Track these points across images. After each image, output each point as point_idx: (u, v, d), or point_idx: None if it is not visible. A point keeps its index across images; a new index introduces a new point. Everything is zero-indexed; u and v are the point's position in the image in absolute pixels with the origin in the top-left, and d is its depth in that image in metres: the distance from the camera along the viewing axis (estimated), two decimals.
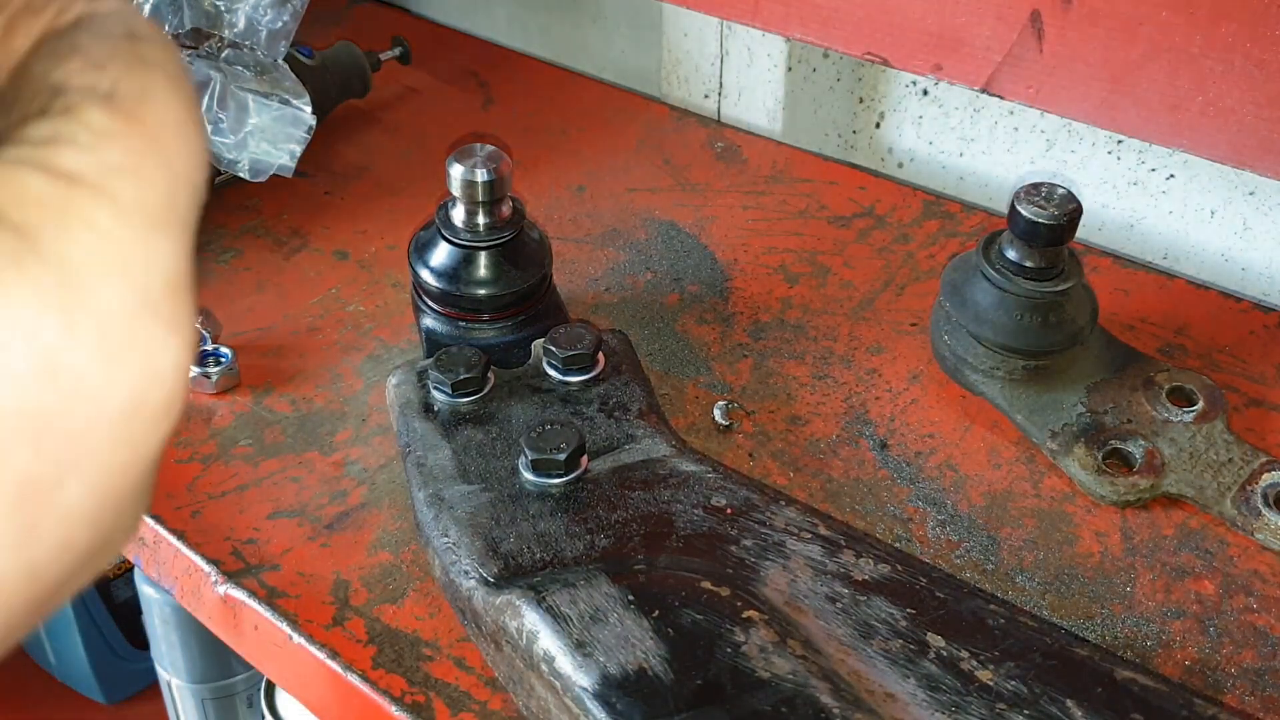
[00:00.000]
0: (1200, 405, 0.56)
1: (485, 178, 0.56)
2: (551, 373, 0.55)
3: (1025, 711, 0.40)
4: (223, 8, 0.73)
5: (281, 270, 0.71)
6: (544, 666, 0.41)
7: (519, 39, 1.02)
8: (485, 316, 0.58)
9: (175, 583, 0.55)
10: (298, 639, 0.49)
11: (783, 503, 0.49)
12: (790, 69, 0.83)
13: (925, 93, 0.80)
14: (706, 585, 0.44)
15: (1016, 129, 0.77)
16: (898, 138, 0.84)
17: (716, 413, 0.59)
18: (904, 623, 0.43)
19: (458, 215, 0.57)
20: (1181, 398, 0.57)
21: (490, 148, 0.57)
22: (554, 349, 0.55)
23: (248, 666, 0.86)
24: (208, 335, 0.63)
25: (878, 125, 0.84)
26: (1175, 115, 0.53)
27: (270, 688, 0.81)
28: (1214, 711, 0.41)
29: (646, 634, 0.41)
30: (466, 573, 0.46)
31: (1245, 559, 0.52)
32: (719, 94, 0.87)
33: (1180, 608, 0.50)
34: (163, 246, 0.19)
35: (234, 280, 0.70)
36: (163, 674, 0.88)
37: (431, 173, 0.79)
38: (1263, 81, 0.50)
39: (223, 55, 0.71)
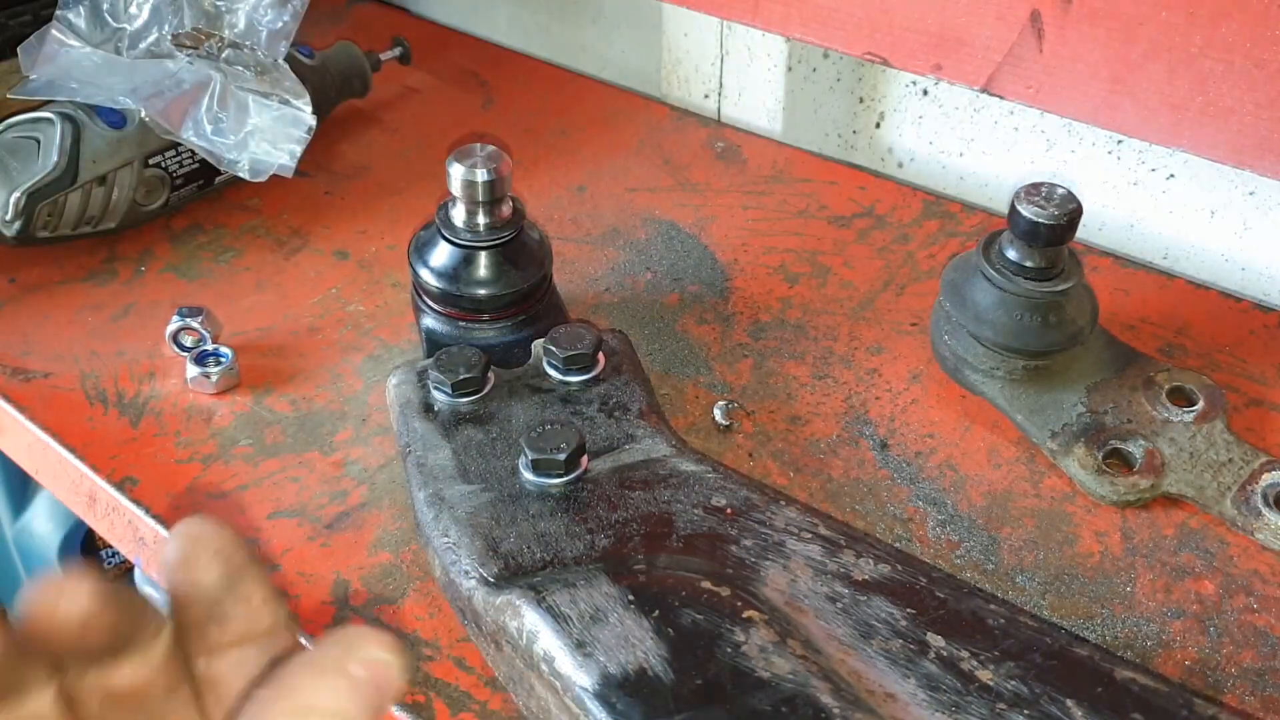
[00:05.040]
0: (1200, 405, 0.56)
1: (485, 178, 0.56)
2: (551, 373, 0.55)
3: (1025, 711, 0.40)
4: (223, 8, 0.73)
5: (281, 270, 0.71)
6: (544, 666, 0.41)
7: (519, 39, 1.02)
8: (485, 316, 0.58)
9: None
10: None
11: (783, 503, 0.49)
12: (790, 69, 0.83)
13: (925, 93, 0.80)
14: (706, 585, 0.44)
15: (1016, 129, 0.77)
16: (898, 137, 0.84)
17: (716, 413, 0.59)
18: (904, 622, 0.43)
19: (458, 215, 0.57)
20: (1182, 398, 0.57)
21: (490, 148, 0.57)
22: (554, 349, 0.55)
23: None
24: (208, 335, 0.63)
25: (878, 125, 0.84)
26: (1175, 115, 0.53)
27: None
28: (1214, 711, 0.40)
29: (646, 634, 0.41)
30: (466, 573, 0.46)
31: (1245, 559, 0.52)
32: (719, 94, 0.87)
33: (1180, 608, 0.50)
34: None
35: (234, 280, 0.70)
36: None
37: (431, 173, 0.79)
38: (1263, 81, 0.50)
39: (223, 55, 0.71)
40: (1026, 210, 0.54)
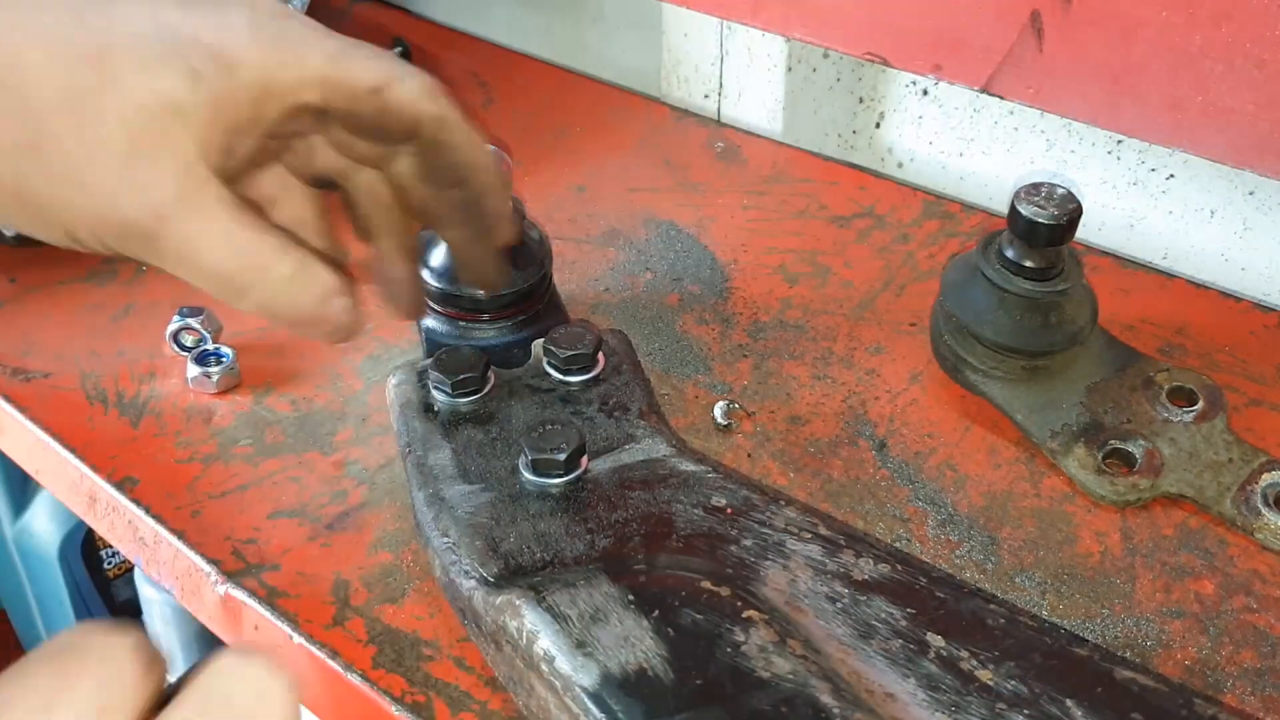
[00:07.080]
0: (1200, 405, 0.56)
1: None
2: (551, 373, 0.55)
3: (1025, 711, 0.40)
4: None
5: None
6: (544, 666, 0.41)
7: (519, 39, 1.02)
8: (485, 316, 0.58)
9: (175, 583, 0.55)
10: (298, 639, 0.49)
11: (783, 503, 0.49)
12: (790, 69, 0.83)
13: (925, 92, 0.80)
14: (706, 585, 0.44)
15: (1016, 129, 0.77)
16: (898, 138, 0.84)
17: (716, 413, 0.59)
18: (904, 622, 0.43)
19: None
20: (1181, 397, 0.57)
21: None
22: (554, 349, 0.55)
23: None
24: (208, 335, 0.63)
25: (878, 125, 0.84)
26: (1175, 115, 0.53)
27: None
28: (1214, 711, 0.41)
29: (646, 634, 0.41)
30: (466, 573, 0.46)
31: (1245, 559, 0.52)
32: (719, 94, 0.87)
33: (1180, 608, 0.50)
34: None
35: None
36: None
37: None
38: (1263, 82, 0.50)
39: None
40: (1026, 210, 0.54)
